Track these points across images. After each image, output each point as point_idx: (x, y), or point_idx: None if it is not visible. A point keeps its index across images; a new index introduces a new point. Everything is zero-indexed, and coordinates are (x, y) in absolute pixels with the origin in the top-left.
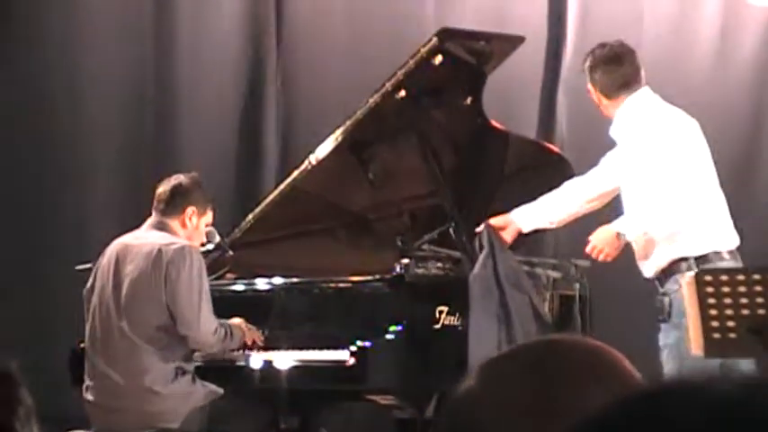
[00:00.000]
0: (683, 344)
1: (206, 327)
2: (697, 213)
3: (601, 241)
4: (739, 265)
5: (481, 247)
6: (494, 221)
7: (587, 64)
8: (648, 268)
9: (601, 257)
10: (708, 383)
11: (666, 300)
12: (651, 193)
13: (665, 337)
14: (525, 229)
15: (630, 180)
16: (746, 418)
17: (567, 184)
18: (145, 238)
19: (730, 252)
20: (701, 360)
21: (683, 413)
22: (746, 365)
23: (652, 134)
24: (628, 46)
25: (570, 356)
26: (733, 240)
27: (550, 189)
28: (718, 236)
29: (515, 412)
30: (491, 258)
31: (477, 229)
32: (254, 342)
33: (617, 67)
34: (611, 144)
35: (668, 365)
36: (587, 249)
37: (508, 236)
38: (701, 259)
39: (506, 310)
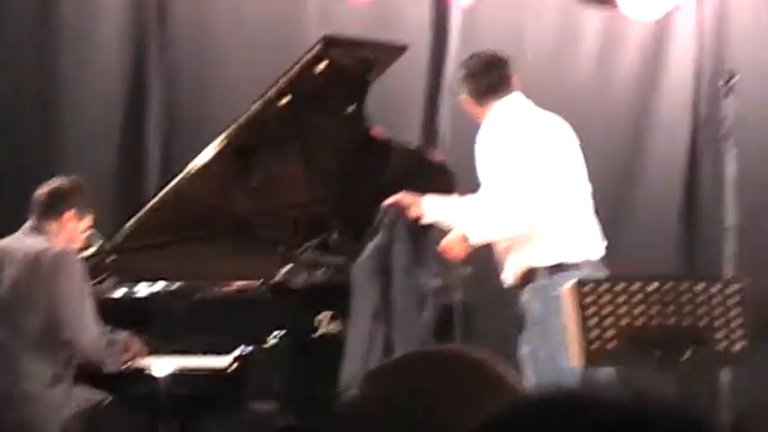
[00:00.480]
0: (541, 353)
1: (91, 331)
2: (551, 221)
3: (450, 241)
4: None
5: (375, 231)
6: (404, 198)
7: (460, 75)
8: (506, 276)
9: (450, 256)
10: (598, 393)
11: (520, 311)
12: (499, 197)
13: (520, 349)
14: (427, 219)
15: (485, 182)
16: (636, 425)
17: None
18: (22, 241)
19: (591, 263)
20: (558, 371)
21: (571, 421)
22: (605, 374)
23: (508, 138)
24: (498, 54)
25: (454, 368)
26: (596, 250)
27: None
28: (577, 245)
29: (401, 423)
30: (386, 245)
31: (385, 203)
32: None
33: (484, 74)
34: None
35: (526, 377)
36: (439, 246)
37: (455, 243)
38: (553, 269)
39: (388, 303)
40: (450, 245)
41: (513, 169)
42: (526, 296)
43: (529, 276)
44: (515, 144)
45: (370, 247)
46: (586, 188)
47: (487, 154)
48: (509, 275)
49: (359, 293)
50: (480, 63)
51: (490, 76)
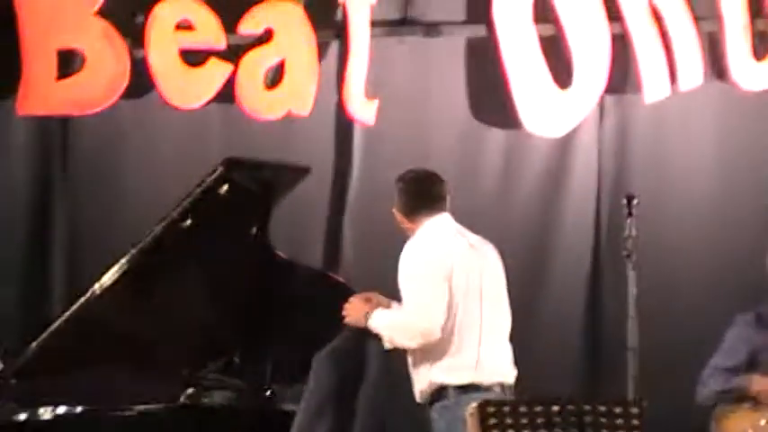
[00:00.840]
0: None
1: None
2: (463, 341)
3: (352, 308)
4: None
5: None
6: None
7: (396, 188)
8: (416, 392)
9: (344, 313)
10: None
11: (429, 430)
12: (409, 303)
13: None
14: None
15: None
16: None
17: None
18: None
19: (502, 385)
20: None
21: None
22: None
23: (425, 258)
24: (433, 173)
25: None
26: (507, 374)
27: (337, 317)
28: (489, 367)
29: None
30: (351, 348)
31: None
32: None
33: (416, 190)
34: (394, 273)
35: None
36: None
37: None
38: (463, 389)
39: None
40: (351, 311)
41: (424, 290)
42: (434, 414)
43: (439, 394)
44: (430, 265)
45: (336, 341)
46: (505, 313)
47: (406, 270)
48: (420, 392)
49: (311, 385)
50: (414, 179)
51: (422, 193)
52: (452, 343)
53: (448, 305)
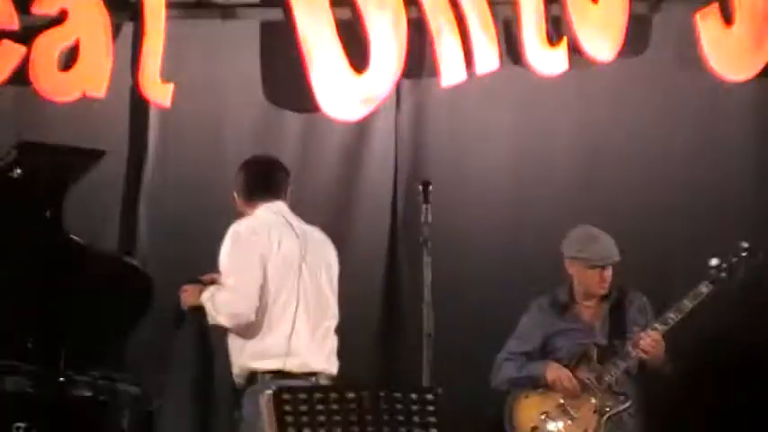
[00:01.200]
0: None
1: None
2: (273, 328)
3: (189, 290)
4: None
5: None
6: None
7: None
8: (234, 378)
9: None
10: None
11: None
12: (224, 283)
13: None
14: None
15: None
16: None
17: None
18: None
19: (317, 375)
20: None
21: None
22: None
23: (249, 239)
24: (275, 160)
25: None
26: (325, 364)
27: (132, 302)
28: (302, 357)
29: None
30: None
31: None
32: None
33: (254, 175)
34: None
35: None
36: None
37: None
38: (274, 376)
39: None
40: (188, 291)
41: (238, 272)
42: (245, 400)
43: (251, 380)
44: (246, 248)
45: None
46: (329, 305)
47: (224, 250)
48: (235, 378)
49: None
50: (254, 165)
51: (259, 179)
52: (264, 329)
53: (261, 290)
